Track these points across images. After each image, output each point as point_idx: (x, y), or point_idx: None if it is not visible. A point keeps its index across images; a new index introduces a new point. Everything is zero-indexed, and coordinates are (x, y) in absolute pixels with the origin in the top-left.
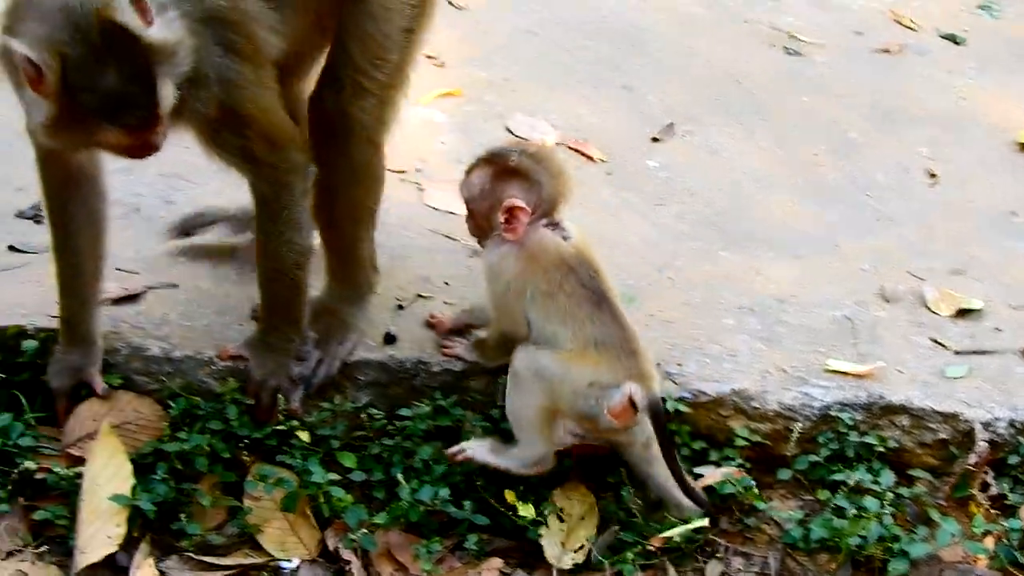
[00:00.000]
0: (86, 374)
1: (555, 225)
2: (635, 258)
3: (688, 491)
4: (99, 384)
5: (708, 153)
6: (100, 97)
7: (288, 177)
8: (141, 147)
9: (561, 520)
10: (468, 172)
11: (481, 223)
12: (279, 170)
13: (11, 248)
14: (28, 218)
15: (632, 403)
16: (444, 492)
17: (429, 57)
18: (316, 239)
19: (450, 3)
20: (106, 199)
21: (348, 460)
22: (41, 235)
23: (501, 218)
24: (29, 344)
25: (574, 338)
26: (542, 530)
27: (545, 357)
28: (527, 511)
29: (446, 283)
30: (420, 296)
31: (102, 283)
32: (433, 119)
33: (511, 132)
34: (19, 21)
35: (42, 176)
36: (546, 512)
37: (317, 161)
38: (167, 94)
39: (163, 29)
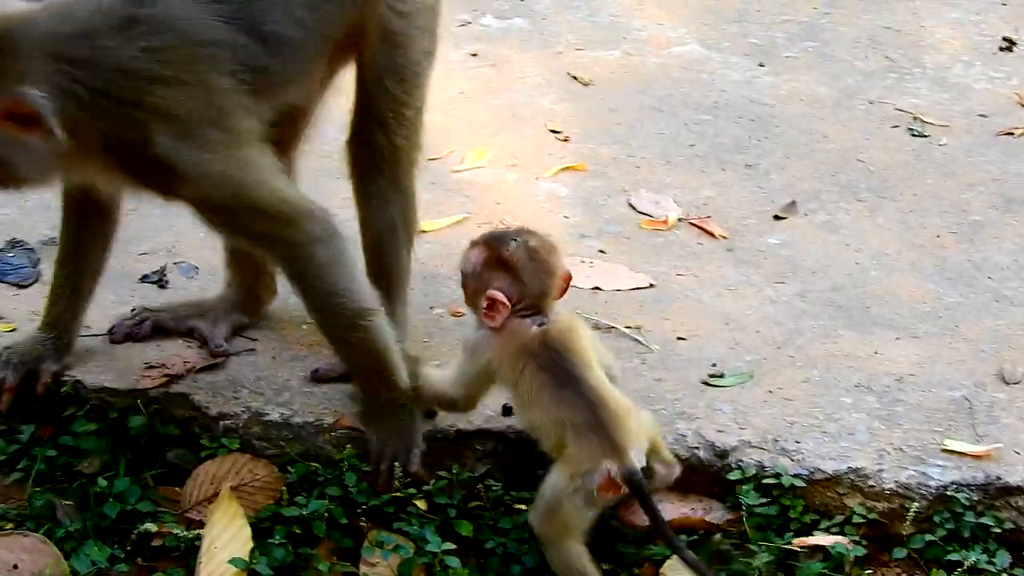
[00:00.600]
0: (40, 369)
1: (537, 314)
2: (754, 335)
3: (682, 556)
4: (43, 383)
5: (830, 232)
6: None
7: (309, 250)
8: None
9: None
10: (469, 247)
11: (469, 300)
12: (296, 245)
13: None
14: (152, 282)
15: (612, 480)
16: None
17: (554, 132)
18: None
19: (575, 79)
20: (116, 225)
21: (464, 529)
22: (168, 297)
23: (484, 304)
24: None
25: (543, 425)
26: None
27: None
28: None
29: None
30: None
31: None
32: (557, 193)
33: (634, 208)
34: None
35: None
36: None
37: (364, 199)
38: None
39: None
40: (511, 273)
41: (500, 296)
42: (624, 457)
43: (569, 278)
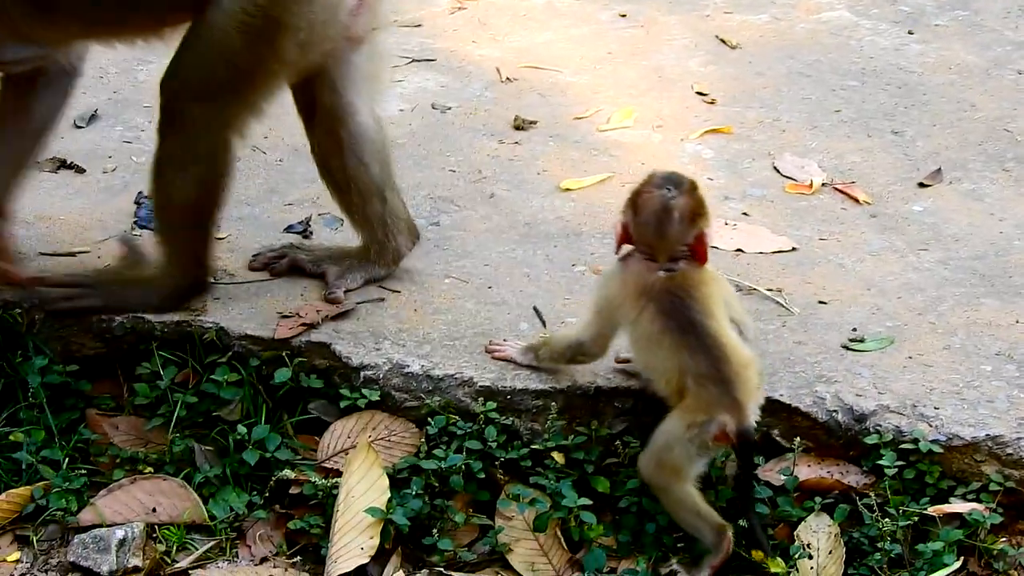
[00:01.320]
0: None
1: (670, 260)
2: (896, 301)
3: (751, 527)
4: None
5: (974, 200)
6: None
7: None
8: None
9: (810, 557)
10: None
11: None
12: None
13: None
14: (297, 232)
15: (726, 433)
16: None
17: (700, 94)
18: None
19: (723, 42)
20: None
21: (601, 486)
22: None
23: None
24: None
25: (663, 370)
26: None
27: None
28: (778, 567)
29: None
30: None
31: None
32: (701, 155)
33: (778, 171)
34: None
35: None
36: (794, 556)
37: None
38: None
39: None
40: (637, 215)
41: (618, 227)
42: (742, 413)
43: (703, 243)
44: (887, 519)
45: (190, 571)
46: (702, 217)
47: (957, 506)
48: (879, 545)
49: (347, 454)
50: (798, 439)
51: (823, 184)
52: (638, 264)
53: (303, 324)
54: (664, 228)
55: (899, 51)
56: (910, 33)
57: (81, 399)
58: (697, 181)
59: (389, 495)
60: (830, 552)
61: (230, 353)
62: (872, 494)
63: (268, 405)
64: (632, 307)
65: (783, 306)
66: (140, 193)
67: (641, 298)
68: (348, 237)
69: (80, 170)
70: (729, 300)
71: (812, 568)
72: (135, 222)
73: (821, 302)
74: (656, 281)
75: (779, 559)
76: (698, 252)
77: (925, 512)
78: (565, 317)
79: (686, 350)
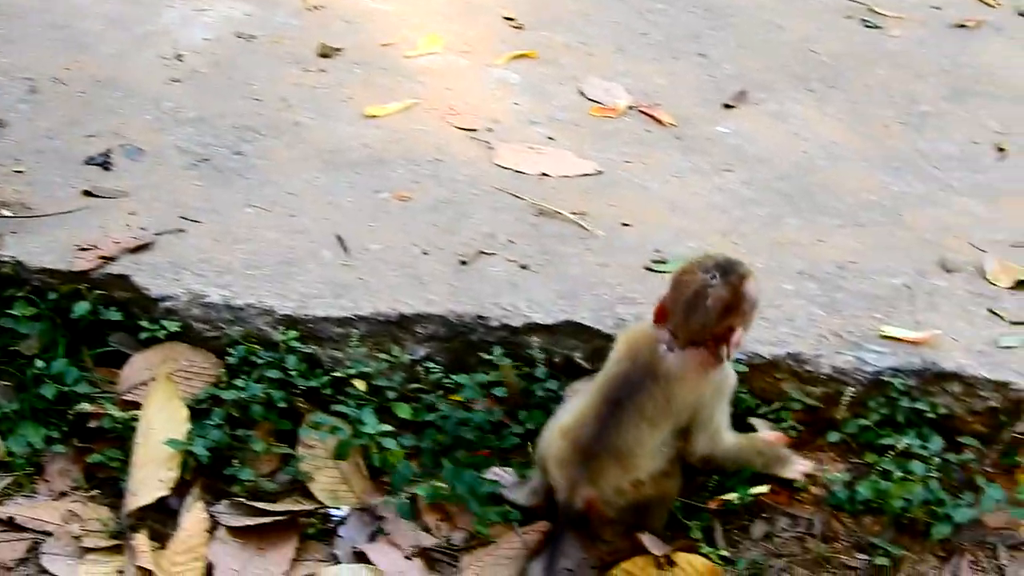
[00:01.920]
0: None
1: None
2: (699, 222)
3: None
4: None
5: (779, 121)
6: None
7: None
8: None
9: None
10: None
11: None
12: None
13: (86, 193)
14: (97, 164)
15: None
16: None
17: (507, 19)
18: None
19: None
20: None
21: (403, 412)
22: (112, 180)
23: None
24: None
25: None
26: None
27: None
28: None
29: (510, 240)
30: (483, 253)
31: None
32: (508, 80)
33: (584, 95)
34: None
35: None
36: None
37: None
38: None
39: None
40: (675, 293)
41: (657, 304)
42: (569, 495)
43: (728, 339)
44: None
45: None
46: (736, 314)
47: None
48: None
49: (147, 386)
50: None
51: (629, 107)
52: (655, 332)
53: (101, 256)
54: (691, 312)
55: None
56: None
57: None
58: (751, 274)
59: (189, 426)
60: None
61: (28, 287)
62: None
63: (67, 339)
64: (616, 354)
65: (586, 229)
66: None
67: (628, 355)
68: (149, 168)
69: None
70: (702, 411)
71: None
72: None
73: (625, 224)
74: (651, 352)
75: None
76: (718, 345)
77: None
78: (368, 244)
79: (592, 413)
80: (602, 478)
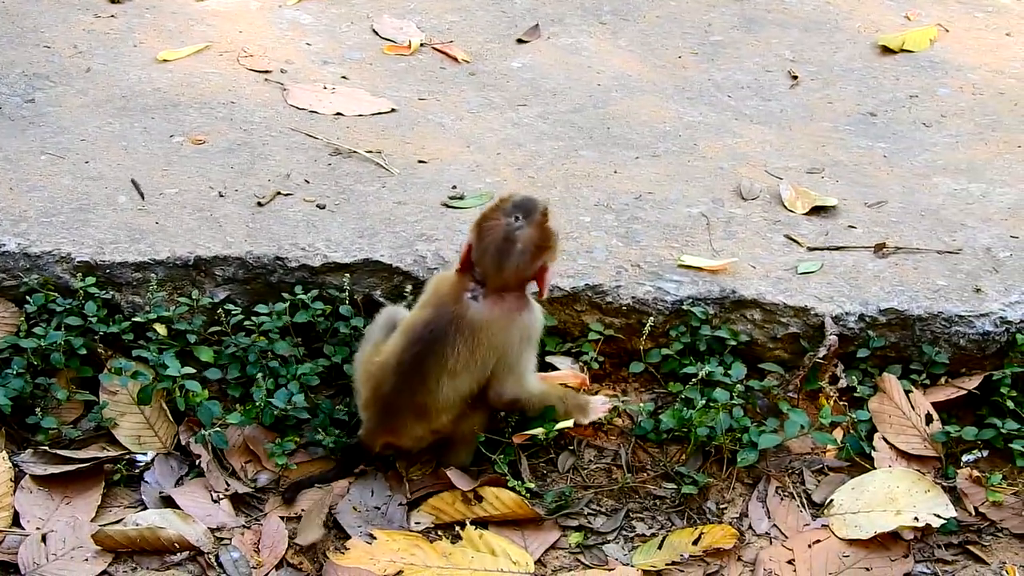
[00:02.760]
0: None
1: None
2: (495, 157)
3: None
4: None
5: (572, 54)
6: None
7: None
8: None
9: None
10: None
11: None
12: None
13: None
14: None
15: None
16: (299, 398)
17: None
18: None
19: None
20: None
21: (205, 355)
22: None
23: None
24: None
25: (362, 371)
26: None
27: None
28: None
29: (306, 181)
30: (280, 194)
31: None
32: (299, 21)
33: (377, 34)
34: None
35: None
36: None
37: None
38: None
39: None
40: (480, 241)
41: (463, 248)
42: (370, 439)
43: (544, 278)
44: None
45: None
46: (547, 252)
47: (558, 376)
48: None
49: None
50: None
51: (422, 44)
52: (461, 281)
53: None
54: (503, 259)
55: None
56: None
57: None
58: (549, 208)
59: None
60: None
61: None
62: None
63: None
64: (421, 300)
65: (383, 167)
66: None
67: (433, 302)
68: None
69: None
70: (508, 355)
71: None
72: None
73: (421, 161)
74: (456, 300)
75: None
76: (525, 286)
77: None
78: (164, 188)
79: (394, 362)
80: (402, 429)
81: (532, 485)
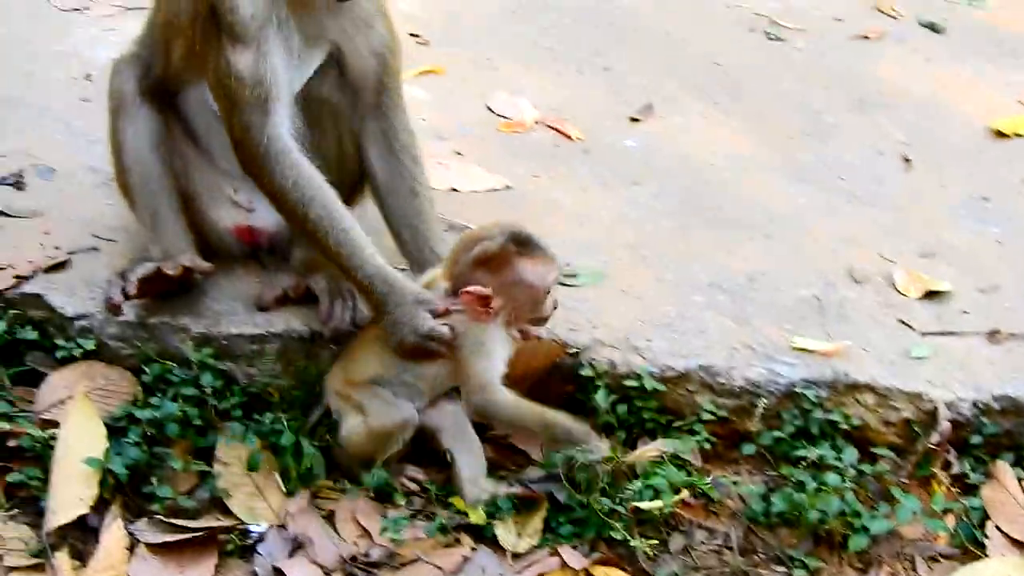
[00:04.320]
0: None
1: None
2: (608, 235)
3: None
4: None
5: (685, 133)
6: None
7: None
8: None
9: (516, 509)
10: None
11: None
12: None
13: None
14: (9, 184)
15: None
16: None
17: (413, 35)
18: None
19: None
20: None
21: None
22: (25, 200)
23: None
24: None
25: None
26: (497, 524)
27: None
28: (478, 517)
29: None
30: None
31: None
32: (415, 96)
33: (491, 110)
34: None
35: None
36: (500, 506)
37: None
38: None
39: None
40: (456, 246)
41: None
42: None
43: (484, 300)
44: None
45: None
46: (495, 275)
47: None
48: (594, 484)
49: (65, 405)
50: None
51: (536, 121)
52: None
53: (16, 276)
54: (457, 257)
55: None
56: None
57: None
58: (541, 259)
59: (107, 444)
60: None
61: None
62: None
63: None
64: None
65: None
66: None
67: None
68: (61, 187)
69: None
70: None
71: (516, 521)
72: None
73: None
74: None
75: (480, 511)
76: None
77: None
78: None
79: None
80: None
81: (644, 566)
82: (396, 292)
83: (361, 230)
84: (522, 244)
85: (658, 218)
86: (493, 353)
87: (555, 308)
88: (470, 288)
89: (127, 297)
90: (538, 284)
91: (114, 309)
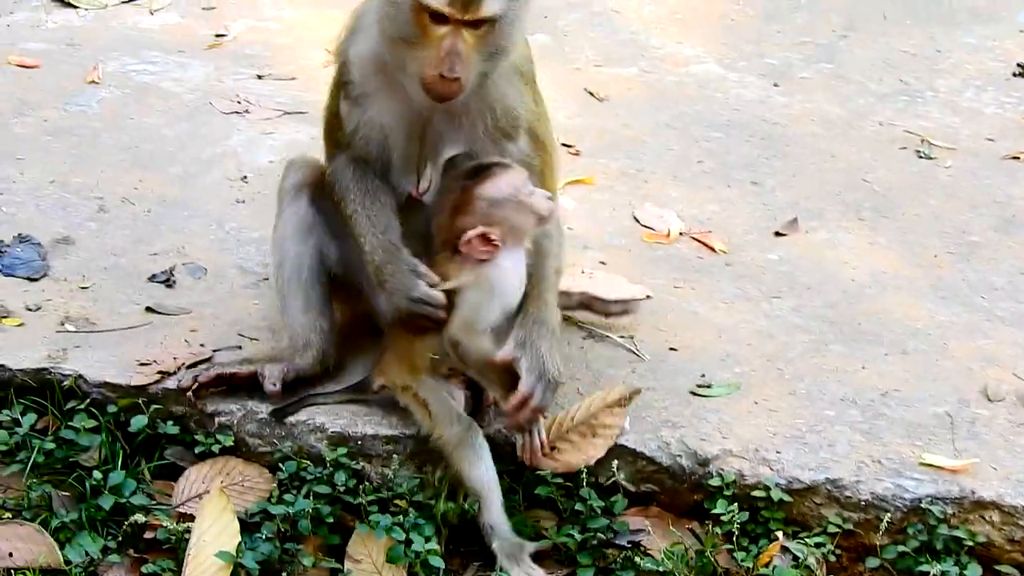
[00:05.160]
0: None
1: None
2: (746, 348)
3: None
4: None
5: (829, 249)
6: None
7: None
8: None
9: None
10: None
11: None
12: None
13: (149, 309)
14: (160, 282)
15: None
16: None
17: (566, 145)
18: None
19: (592, 95)
20: None
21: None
22: (175, 298)
23: None
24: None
25: None
26: None
27: None
28: None
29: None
30: None
31: None
32: (563, 206)
33: (638, 221)
34: None
35: None
36: None
37: None
38: None
39: None
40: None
41: None
42: None
43: (483, 238)
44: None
45: None
46: (467, 213)
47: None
48: None
49: (201, 499)
50: None
51: (681, 233)
52: None
53: (160, 372)
54: (435, 215)
55: (764, 103)
56: (775, 85)
57: None
58: (504, 175)
59: (240, 539)
60: None
61: (88, 400)
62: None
63: (125, 451)
64: None
65: (634, 352)
66: (1, 242)
67: None
68: (211, 286)
69: None
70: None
71: None
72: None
73: (672, 349)
74: None
75: None
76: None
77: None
78: None
79: None
80: None
81: None
82: (394, 261)
83: (390, 212)
84: (478, 173)
85: (796, 332)
86: (505, 287)
87: (550, 199)
88: (466, 235)
89: (184, 390)
90: (515, 193)
91: (182, 392)
